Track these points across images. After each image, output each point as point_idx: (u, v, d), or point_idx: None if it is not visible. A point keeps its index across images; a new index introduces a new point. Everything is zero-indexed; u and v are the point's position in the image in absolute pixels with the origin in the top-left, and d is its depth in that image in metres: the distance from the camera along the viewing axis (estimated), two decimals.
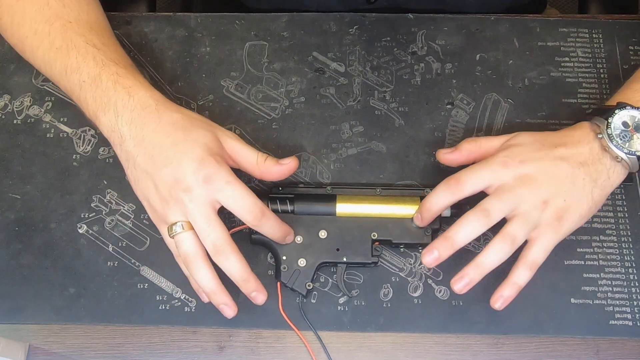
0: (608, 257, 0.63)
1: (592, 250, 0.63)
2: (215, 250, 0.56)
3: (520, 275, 0.57)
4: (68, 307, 0.62)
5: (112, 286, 0.63)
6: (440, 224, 0.62)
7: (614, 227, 0.64)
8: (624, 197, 0.65)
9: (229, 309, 0.58)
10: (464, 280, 0.56)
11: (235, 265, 0.56)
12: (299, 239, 0.62)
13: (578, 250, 0.63)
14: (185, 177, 0.55)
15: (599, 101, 0.69)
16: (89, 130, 0.69)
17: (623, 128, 0.57)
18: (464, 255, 0.63)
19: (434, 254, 0.56)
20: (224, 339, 0.62)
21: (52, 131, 0.69)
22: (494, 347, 0.61)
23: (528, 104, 0.69)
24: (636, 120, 0.58)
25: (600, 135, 0.58)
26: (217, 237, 0.55)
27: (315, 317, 0.62)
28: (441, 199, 0.58)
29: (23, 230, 0.65)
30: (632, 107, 0.58)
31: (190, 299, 0.62)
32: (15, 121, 0.69)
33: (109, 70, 0.59)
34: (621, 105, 0.58)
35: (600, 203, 0.59)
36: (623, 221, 0.65)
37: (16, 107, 0.70)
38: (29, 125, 0.69)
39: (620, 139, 0.57)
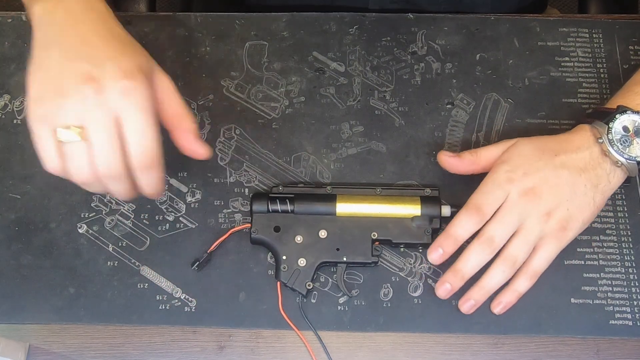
0: (608, 257, 0.63)
1: (592, 250, 0.63)
2: (105, 173, 0.49)
3: (522, 284, 0.59)
4: (68, 307, 0.62)
5: (112, 286, 0.63)
6: (441, 224, 0.62)
7: (614, 227, 0.64)
8: (624, 197, 0.65)
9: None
10: (470, 303, 0.60)
11: (120, 192, 0.51)
12: (299, 238, 0.62)
13: (578, 250, 0.63)
14: (103, 75, 0.48)
15: (599, 101, 0.69)
16: None
17: (623, 133, 0.57)
18: None
19: (447, 287, 0.59)
20: (224, 339, 0.62)
21: None
22: (494, 347, 0.61)
23: (528, 104, 0.69)
24: (636, 124, 0.58)
25: (600, 140, 0.58)
26: (112, 160, 0.48)
27: (315, 317, 0.62)
28: (466, 226, 0.59)
29: (23, 230, 0.65)
30: (633, 111, 0.58)
31: (190, 299, 0.62)
32: (15, 121, 0.69)
33: None
34: (622, 110, 0.58)
35: (601, 206, 0.59)
36: (623, 221, 0.65)
37: (16, 107, 0.70)
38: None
39: (621, 144, 0.57)
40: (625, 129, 0.57)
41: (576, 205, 0.57)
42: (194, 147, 0.55)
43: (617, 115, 0.58)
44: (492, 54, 0.71)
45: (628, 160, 0.57)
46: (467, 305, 0.60)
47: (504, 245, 0.58)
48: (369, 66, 0.71)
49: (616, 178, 0.59)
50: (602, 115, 0.59)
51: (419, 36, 0.72)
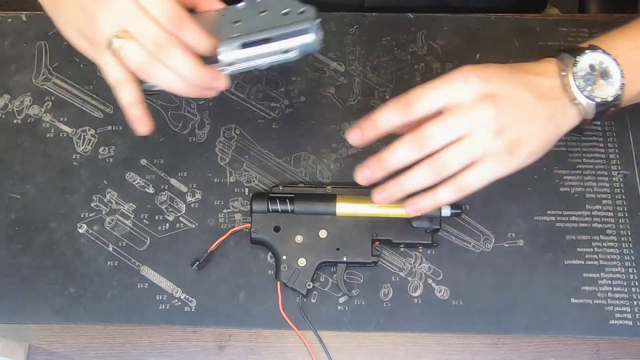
0: (608, 257, 0.63)
1: (592, 250, 0.63)
2: (157, 48, 0.49)
3: (444, 193, 0.53)
4: (68, 307, 0.62)
5: (112, 286, 0.63)
6: (441, 224, 0.62)
7: (614, 227, 0.64)
8: (624, 197, 0.65)
9: (141, 125, 0.53)
10: (383, 194, 0.54)
11: (183, 62, 0.50)
12: (299, 238, 0.62)
13: (578, 250, 0.63)
14: None
15: None
16: (89, 130, 0.69)
17: (589, 70, 0.54)
18: (461, 256, 0.63)
19: (366, 172, 0.54)
20: (224, 338, 0.62)
21: (52, 131, 0.69)
22: (494, 347, 0.61)
23: None
24: (604, 65, 0.54)
25: (564, 73, 0.54)
26: (164, 15, 0.49)
27: (315, 317, 0.62)
28: (388, 115, 0.53)
29: (23, 230, 0.65)
30: (604, 51, 0.55)
31: (190, 298, 0.62)
32: (15, 121, 0.69)
33: None
34: (593, 47, 0.55)
35: (550, 144, 0.55)
36: (623, 221, 0.65)
37: (16, 107, 0.70)
38: (29, 125, 0.69)
39: (584, 81, 0.54)
40: (592, 67, 0.54)
41: (529, 130, 0.53)
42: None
43: (587, 52, 0.54)
44: (492, 54, 0.71)
45: (587, 99, 0.53)
46: (381, 195, 0.54)
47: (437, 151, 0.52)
48: (369, 66, 0.71)
49: (570, 117, 0.54)
50: (571, 51, 0.55)
51: (419, 36, 0.72)
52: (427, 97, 0.52)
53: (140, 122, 0.53)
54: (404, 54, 0.72)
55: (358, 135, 0.54)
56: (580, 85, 0.53)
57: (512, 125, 0.52)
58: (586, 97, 0.53)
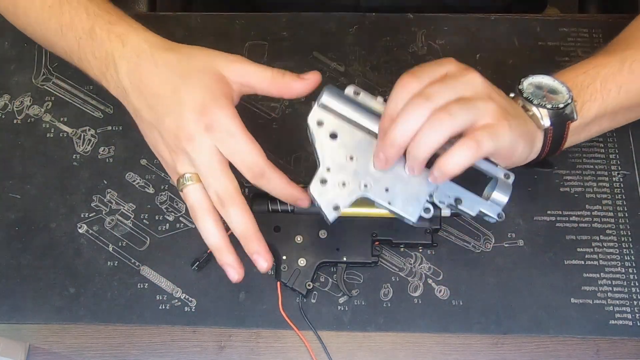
0: (608, 257, 0.63)
1: (592, 250, 0.63)
2: (219, 201, 0.53)
3: (460, 149, 0.50)
4: (68, 307, 0.62)
5: (112, 286, 0.63)
6: (441, 224, 0.62)
7: (614, 227, 0.64)
8: (624, 197, 0.65)
9: (233, 271, 0.55)
10: (379, 157, 0.52)
11: (238, 218, 0.53)
12: (299, 238, 0.62)
13: (578, 250, 0.63)
14: (187, 127, 0.52)
15: None
16: (89, 129, 0.69)
17: (535, 89, 0.56)
18: (461, 256, 0.63)
19: (380, 157, 0.52)
20: (224, 338, 0.62)
21: (52, 131, 0.69)
22: (494, 347, 0.61)
23: None
24: (550, 86, 0.56)
25: (512, 95, 0.56)
26: (221, 187, 0.53)
27: (315, 317, 0.62)
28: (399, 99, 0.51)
29: (23, 230, 0.65)
30: (546, 75, 0.56)
31: (190, 298, 0.62)
32: (15, 121, 0.69)
33: (102, 20, 0.56)
34: (537, 75, 0.57)
35: (525, 150, 0.54)
36: (623, 221, 0.65)
37: (16, 107, 0.70)
38: (29, 125, 0.69)
39: (533, 95, 0.55)
40: (539, 87, 0.56)
41: (514, 115, 0.53)
42: (306, 86, 0.55)
43: (530, 75, 0.56)
44: (492, 54, 0.71)
45: (538, 107, 0.54)
46: (378, 160, 0.52)
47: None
48: (369, 66, 0.71)
49: (533, 129, 0.55)
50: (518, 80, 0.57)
51: (419, 36, 0.72)
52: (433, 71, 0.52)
53: (229, 269, 0.55)
54: (404, 54, 0.72)
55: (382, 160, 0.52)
56: (529, 97, 0.55)
57: (500, 101, 0.52)
58: (536, 105, 0.55)
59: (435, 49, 0.72)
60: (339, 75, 0.71)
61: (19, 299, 0.63)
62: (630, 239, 0.64)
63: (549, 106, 0.55)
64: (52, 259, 0.64)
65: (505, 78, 0.70)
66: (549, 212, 0.65)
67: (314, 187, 0.53)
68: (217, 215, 0.54)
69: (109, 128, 0.69)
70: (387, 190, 0.54)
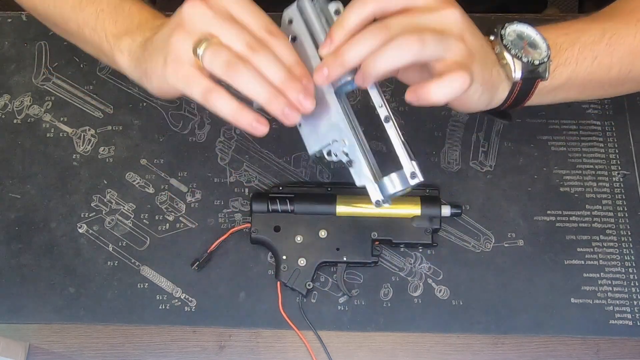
0: (608, 257, 0.63)
1: (592, 250, 0.63)
2: (253, 42, 0.49)
3: (381, 60, 0.47)
4: (68, 307, 0.62)
5: (112, 286, 0.63)
6: (441, 224, 0.62)
7: (614, 227, 0.64)
8: (624, 197, 0.65)
9: (260, 125, 0.49)
10: (322, 72, 0.49)
11: (284, 50, 0.49)
12: (299, 238, 0.62)
13: (578, 250, 0.63)
14: (187, 5, 0.49)
15: (598, 101, 0.69)
16: (89, 129, 0.69)
17: (516, 37, 0.54)
18: (461, 256, 0.63)
19: (324, 72, 0.49)
20: (224, 338, 0.62)
21: (52, 131, 0.69)
22: (494, 347, 0.61)
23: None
24: (532, 38, 0.55)
25: (492, 37, 0.54)
26: (253, 20, 0.50)
27: (315, 317, 0.62)
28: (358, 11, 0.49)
29: (23, 230, 0.65)
30: (532, 26, 0.55)
31: (190, 298, 0.62)
32: (15, 121, 0.69)
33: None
34: (523, 21, 0.55)
35: (489, 95, 0.53)
36: (623, 221, 0.65)
37: (16, 107, 0.70)
38: (29, 125, 0.69)
39: (512, 44, 0.54)
40: (520, 36, 0.54)
41: (482, 56, 0.51)
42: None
43: (516, 22, 0.55)
44: None
45: (514, 58, 0.53)
46: (319, 75, 0.49)
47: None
48: None
49: (500, 78, 0.54)
50: (502, 23, 0.55)
51: None
52: None
53: (256, 125, 0.49)
54: None
55: (328, 46, 0.49)
56: (507, 45, 0.53)
57: (472, 43, 0.50)
58: (513, 55, 0.53)
59: None
60: None
61: (19, 299, 0.63)
62: (630, 239, 0.64)
63: (525, 60, 0.53)
64: (52, 259, 0.64)
65: None
66: (549, 212, 0.65)
67: None
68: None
69: (109, 128, 0.69)
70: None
